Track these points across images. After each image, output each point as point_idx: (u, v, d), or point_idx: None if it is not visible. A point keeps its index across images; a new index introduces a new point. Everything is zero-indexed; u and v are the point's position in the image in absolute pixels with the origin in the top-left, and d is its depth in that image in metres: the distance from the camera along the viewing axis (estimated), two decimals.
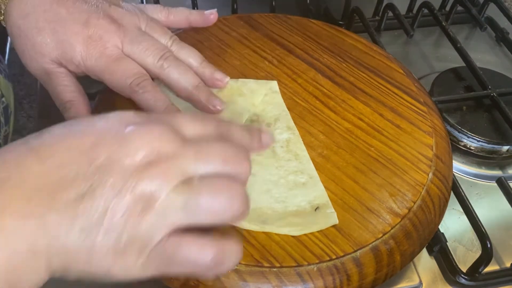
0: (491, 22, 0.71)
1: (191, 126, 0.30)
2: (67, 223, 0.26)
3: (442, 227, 0.47)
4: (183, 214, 0.28)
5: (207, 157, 0.29)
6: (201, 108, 0.44)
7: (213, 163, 0.29)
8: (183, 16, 0.50)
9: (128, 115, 0.29)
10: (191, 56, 0.46)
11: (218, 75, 0.46)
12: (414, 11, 0.70)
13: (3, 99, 0.48)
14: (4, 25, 0.45)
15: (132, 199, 0.27)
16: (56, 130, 0.29)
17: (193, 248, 0.28)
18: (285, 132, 0.44)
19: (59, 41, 0.43)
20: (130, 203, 0.27)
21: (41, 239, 0.26)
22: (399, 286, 0.44)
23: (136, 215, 0.27)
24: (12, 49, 0.63)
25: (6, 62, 0.61)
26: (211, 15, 0.51)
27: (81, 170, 0.27)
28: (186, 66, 0.45)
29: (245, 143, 0.32)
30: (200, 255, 0.28)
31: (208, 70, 0.46)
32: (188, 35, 0.51)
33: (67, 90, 0.45)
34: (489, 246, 0.43)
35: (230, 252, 0.29)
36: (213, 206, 0.28)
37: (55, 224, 0.26)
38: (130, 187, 0.27)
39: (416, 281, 0.44)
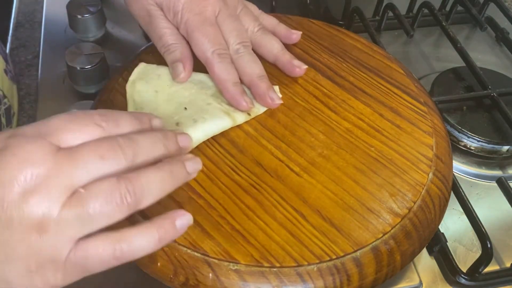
0: (491, 22, 0.71)
1: (69, 132, 0.29)
2: None
3: (442, 227, 0.47)
4: (79, 227, 0.29)
5: (83, 162, 0.29)
6: (259, 97, 0.46)
7: (91, 165, 0.29)
8: (271, 23, 0.52)
9: None
10: (274, 41, 0.49)
11: (296, 62, 0.49)
12: (414, 11, 0.70)
13: (5, 100, 0.48)
14: None
15: (25, 228, 0.27)
16: None
17: (100, 247, 0.29)
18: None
19: None
20: (24, 232, 0.27)
21: None
22: (399, 286, 0.44)
23: (34, 240, 0.28)
24: (12, 49, 0.63)
25: None
26: (294, 34, 0.52)
27: None
28: (257, 58, 0.47)
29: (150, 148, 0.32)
30: (105, 252, 0.29)
31: (287, 56, 0.49)
32: None
33: (170, 33, 0.47)
34: (489, 246, 0.43)
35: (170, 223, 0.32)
36: (103, 211, 0.29)
37: None
38: (18, 217, 0.27)
39: (416, 281, 0.45)
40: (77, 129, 0.30)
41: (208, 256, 0.36)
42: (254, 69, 0.46)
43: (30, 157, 0.28)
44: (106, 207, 0.29)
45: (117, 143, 0.30)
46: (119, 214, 0.29)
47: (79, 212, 0.28)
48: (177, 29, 0.47)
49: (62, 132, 0.29)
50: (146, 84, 0.46)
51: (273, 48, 0.49)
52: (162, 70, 0.47)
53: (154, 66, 0.48)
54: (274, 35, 0.50)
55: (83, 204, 0.28)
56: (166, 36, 0.46)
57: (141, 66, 0.47)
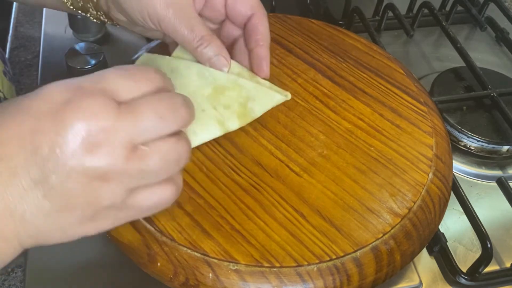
0: (491, 22, 0.71)
1: (125, 87, 0.31)
2: (32, 209, 0.29)
3: (442, 227, 0.47)
4: (138, 179, 0.31)
5: (144, 121, 0.30)
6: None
7: (151, 124, 0.30)
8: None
9: (59, 89, 0.30)
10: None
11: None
12: (414, 11, 0.70)
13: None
14: None
15: (87, 178, 0.29)
16: None
17: (155, 194, 0.32)
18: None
19: None
20: (85, 182, 0.29)
21: (10, 225, 0.29)
22: (399, 286, 0.44)
23: (94, 189, 0.29)
24: (12, 49, 0.63)
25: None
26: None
27: (28, 159, 0.28)
28: None
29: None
30: (163, 196, 0.32)
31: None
32: None
33: (202, 23, 0.41)
34: (489, 246, 0.43)
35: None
36: (162, 168, 0.31)
37: (20, 212, 0.29)
38: (80, 168, 0.28)
39: (416, 281, 0.45)
40: (133, 85, 0.31)
41: (208, 256, 0.36)
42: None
43: (94, 112, 0.29)
44: (166, 164, 0.31)
45: (173, 106, 0.31)
46: (176, 169, 0.32)
47: (142, 167, 0.30)
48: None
49: (118, 89, 0.30)
50: None
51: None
52: (164, 61, 0.44)
53: (156, 56, 0.44)
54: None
55: (145, 160, 0.30)
56: (198, 27, 0.41)
57: (144, 57, 0.44)
